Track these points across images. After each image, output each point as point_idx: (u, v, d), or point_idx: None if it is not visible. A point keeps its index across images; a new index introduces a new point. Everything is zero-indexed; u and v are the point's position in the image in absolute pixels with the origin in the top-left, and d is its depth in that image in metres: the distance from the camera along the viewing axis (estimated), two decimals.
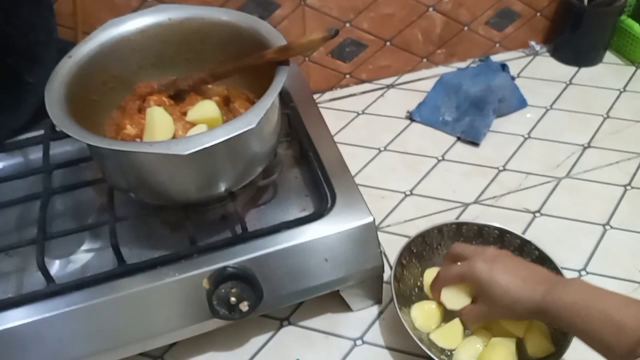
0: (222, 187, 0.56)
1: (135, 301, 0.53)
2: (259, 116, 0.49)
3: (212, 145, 0.47)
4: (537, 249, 0.62)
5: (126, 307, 0.53)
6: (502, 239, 0.64)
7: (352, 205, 0.60)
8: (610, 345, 0.44)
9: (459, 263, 0.58)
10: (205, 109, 0.59)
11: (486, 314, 0.56)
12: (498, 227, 0.64)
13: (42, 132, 0.68)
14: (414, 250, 0.64)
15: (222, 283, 0.54)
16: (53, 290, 0.53)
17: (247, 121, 0.48)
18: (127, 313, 0.53)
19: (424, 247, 0.65)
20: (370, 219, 0.58)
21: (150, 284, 0.53)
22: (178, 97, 0.64)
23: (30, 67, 0.68)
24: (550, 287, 0.49)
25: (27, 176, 0.64)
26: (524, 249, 0.62)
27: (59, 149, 0.69)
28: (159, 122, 0.59)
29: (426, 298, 0.62)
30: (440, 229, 0.65)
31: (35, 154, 0.69)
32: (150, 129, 0.58)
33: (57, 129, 0.67)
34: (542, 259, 0.61)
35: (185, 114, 0.63)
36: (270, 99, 0.51)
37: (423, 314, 0.60)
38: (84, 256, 0.60)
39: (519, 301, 0.51)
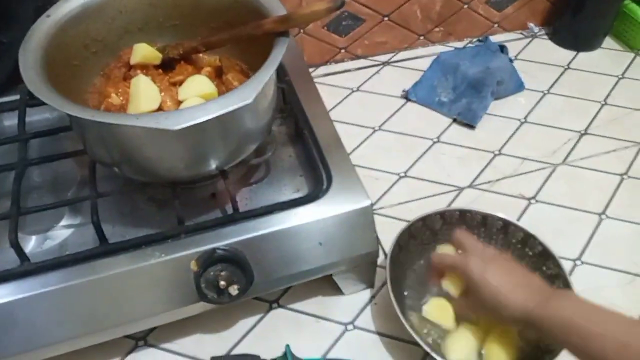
0: (213, 165, 0.52)
1: (117, 283, 0.50)
2: (256, 91, 0.45)
3: (205, 121, 0.43)
4: (540, 243, 0.60)
5: (107, 290, 0.50)
6: (505, 230, 0.62)
7: (349, 188, 0.57)
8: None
9: (459, 251, 0.56)
10: (198, 84, 0.55)
11: (475, 310, 0.55)
12: (502, 218, 0.62)
13: (17, 97, 0.64)
14: (414, 234, 0.62)
15: (211, 265, 0.51)
16: (27, 269, 0.49)
17: (243, 96, 0.45)
18: (108, 296, 0.50)
19: (424, 231, 0.63)
20: (367, 203, 0.56)
21: (134, 265, 0.50)
22: (167, 66, 0.60)
23: (4, 26, 0.63)
24: (544, 299, 0.47)
25: (0, 145, 0.60)
26: (527, 242, 0.61)
27: (36, 116, 0.64)
28: (144, 92, 0.55)
29: (421, 282, 0.60)
30: (442, 215, 0.63)
31: (10, 121, 0.64)
32: (135, 100, 0.54)
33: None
34: (545, 255, 0.59)
35: (174, 84, 0.59)
36: (268, 73, 0.47)
37: (437, 310, 0.58)
38: (62, 232, 0.56)
39: (508, 307, 0.49)
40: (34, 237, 0.55)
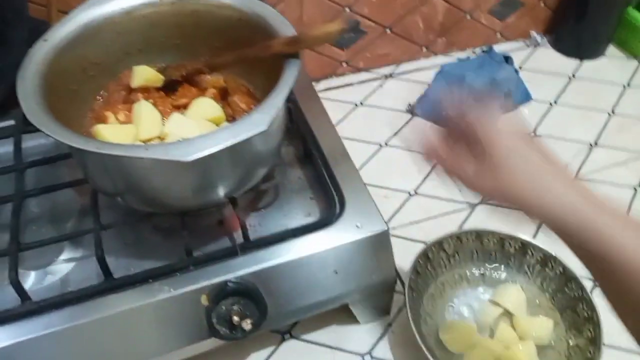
0: (222, 193, 0.50)
1: (125, 321, 0.47)
2: (270, 117, 0.43)
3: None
4: (561, 264, 0.58)
5: (114, 328, 0.47)
6: (524, 251, 0.60)
7: (363, 212, 0.55)
8: None
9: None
10: (205, 108, 0.53)
11: (494, 188, 0.40)
12: (521, 239, 0.60)
13: (12, 122, 0.61)
14: (430, 258, 0.60)
15: (223, 299, 0.49)
16: (29, 309, 0.46)
17: (257, 122, 0.42)
18: (115, 335, 0.47)
19: (440, 254, 0.61)
20: (384, 228, 0.53)
21: (142, 301, 0.48)
22: (169, 88, 0.58)
23: None
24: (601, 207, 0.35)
25: None
26: (547, 263, 0.59)
27: (32, 142, 0.61)
28: (146, 119, 0.52)
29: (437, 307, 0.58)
30: (459, 237, 0.61)
31: (5, 149, 0.61)
32: (136, 127, 0.52)
33: None
34: (567, 276, 0.57)
35: (177, 107, 0.56)
36: (281, 98, 0.45)
37: (451, 335, 0.56)
38: (63, 267, 0.53)
39: (550, 189, 0.36)
40: (33, 273, 0.52)
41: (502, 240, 0.60)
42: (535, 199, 0.38)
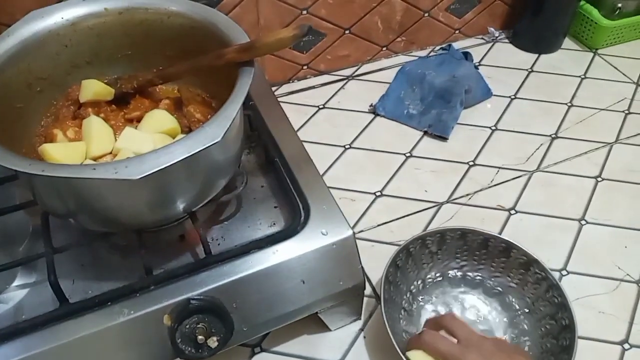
0: (181, 208, 0.48)
1: (84, 347, 0.45)
2: (224, 128, 0.41)
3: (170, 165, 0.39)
4: (543, 269, 0.58)
5: (73, 356, 0.45)
6: (508, 253, 0.60)
7: (328, 218, 0.54)
8: None
9: (443, 333, 0.52)
10: (158, 120, 0.51)
11: None
12: (506, 240, 0.60)
13: None
14: (412, 254, 0.59)
15: (186, 318, 0.47)
16: None
17: (211, 134, 0.41)
18: None
19: (423, 250, 0.60)
20: (349, 233, 0.53)
21: (101, 325, 0.45)
22: (121, 101, 0.56)
23: None
24: None
25: None
26: (530, 268, 0.59)
27: None
28: (96, 135, 0.50)
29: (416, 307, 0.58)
30: (442, 234, 0.60)
31: None
32: (87, 143, 0.50)
33: None
34: (551, 286, 0.57)
35: (130, 120, 0.54)
36: (235, 107, 0.43)
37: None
38: (16, 294, 0.50)
39: None
40: None
41: (487, 240, 0.60)
42: None
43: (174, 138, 0.52)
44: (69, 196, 0.44)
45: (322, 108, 0.87)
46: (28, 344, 0.44)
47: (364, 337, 0.59)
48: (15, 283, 0.51)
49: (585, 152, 0.81)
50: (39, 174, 0.38)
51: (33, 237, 0.54)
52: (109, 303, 0.47)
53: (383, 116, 0.85)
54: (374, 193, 0.74)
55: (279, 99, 0.86)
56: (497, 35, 1.02)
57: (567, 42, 1.01)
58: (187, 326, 0.47)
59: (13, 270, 0.51)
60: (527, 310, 0.59)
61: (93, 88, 0.53)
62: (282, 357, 0.57)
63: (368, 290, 0.62)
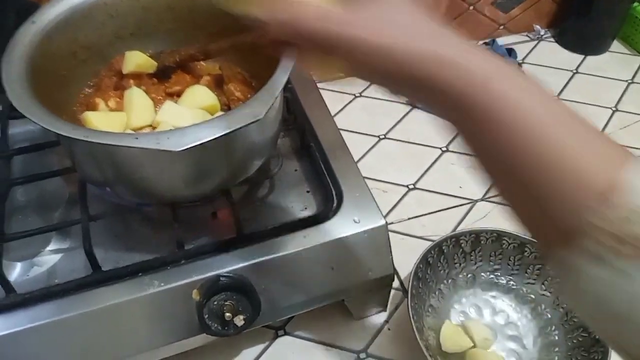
0: (216, 184, 0.48)
1: (113, 315, 0.46)
2: (267, 105, 0.41)
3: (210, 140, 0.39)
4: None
5: (101, 323, 0.45)
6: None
7: (361, 206, 0.53)
8: (584, 178, 0.27)
9: None
10: (199, 96, 0.51)
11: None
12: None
13: None
14: (444, 251, 0.58)
15: (215, 295, 0.47)
16: (14, 301, 0.44)
17: (253, 112, 0.40)
18: (102, 329, 0.46)
19: (456, 250, 0.59)
20: (382, 222, 0.52)
21: (131, 295, 0.46)
22: (162, 74, 0.56)
23: None
24: (481, 60, 0.30)
25: None
26: None
27: (19, 129, 0.59)
28: (137, 106, 0.50)
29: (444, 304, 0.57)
30: (477, 235, 0.59)
31: None
32: (128, 114, 0.50)
33: None
34: None
35: (171, 94, 0.54)
36: (279, 85, 0.42)
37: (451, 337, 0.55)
38: (50, 258, 0.51)
39: (414, 36, 0.31)
40: (19, 264, 0.50)
41: (523, 244, 0.58)
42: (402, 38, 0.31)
43: (212, 115, 0.52)
44: (107, 164, 0.44)
45: (358, 96, 0.86)
46: (60, 307, 0.45)
47: (389, 329, 0.58)
48: (50, 247, 0.52)
49: None
50: (82, 139, 0.38)
51: (68, 204, 0.55)
52: (140, 274, 0.47)
53: (420, 108, 0.84)
54: (407, 186, 0.73)
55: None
56: (542, 33, 0.99)
57: (616, 45, 0.98)
58: (215, 302, 0.47)
59: (48, 235, 0.51)
60: (559, 321, 0.57)
61: (136, 60, 0.53)
62: (304, 342, 0.57)
63: (395, 283, 0.61)
